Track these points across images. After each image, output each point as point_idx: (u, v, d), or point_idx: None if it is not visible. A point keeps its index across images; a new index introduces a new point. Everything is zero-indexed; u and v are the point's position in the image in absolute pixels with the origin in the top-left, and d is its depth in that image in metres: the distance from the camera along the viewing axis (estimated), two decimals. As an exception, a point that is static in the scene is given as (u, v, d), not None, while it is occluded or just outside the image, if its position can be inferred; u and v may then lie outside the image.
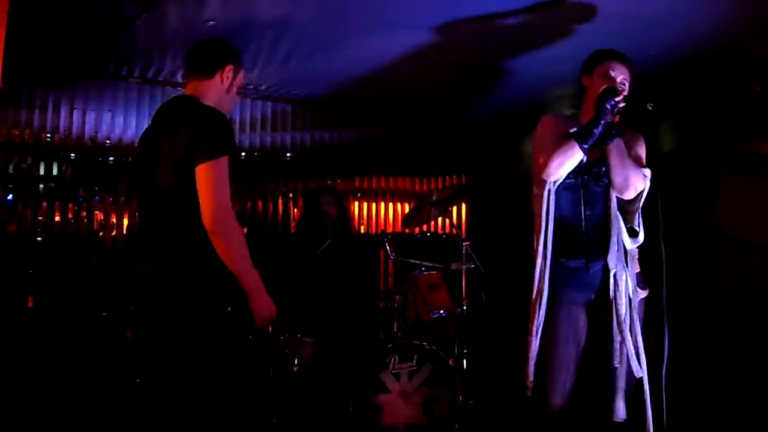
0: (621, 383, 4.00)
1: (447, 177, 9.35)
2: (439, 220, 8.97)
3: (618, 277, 3.97)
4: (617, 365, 3.96)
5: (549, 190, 4.01)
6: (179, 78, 6.35)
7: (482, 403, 6.11)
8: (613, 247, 4.00)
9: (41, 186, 7.23)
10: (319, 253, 6.29)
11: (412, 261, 6.10)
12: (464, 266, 6.03)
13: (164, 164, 3.59)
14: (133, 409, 5.53)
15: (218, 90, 3.85)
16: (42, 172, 7.22)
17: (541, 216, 4.05)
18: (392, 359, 5.35)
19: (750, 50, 5.92)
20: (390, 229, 8.73)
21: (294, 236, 7.00)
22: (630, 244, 4.05)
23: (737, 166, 7.05)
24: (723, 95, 6.80)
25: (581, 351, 4.04)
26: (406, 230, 7.38)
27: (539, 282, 4.07)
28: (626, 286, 3.99)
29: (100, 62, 6.11)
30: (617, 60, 4.14)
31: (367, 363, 5.30)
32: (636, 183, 4.02)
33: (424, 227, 8.84)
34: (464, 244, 6.08)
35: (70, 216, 7.23)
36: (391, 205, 9.02)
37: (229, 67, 3.85)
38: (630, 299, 3.98)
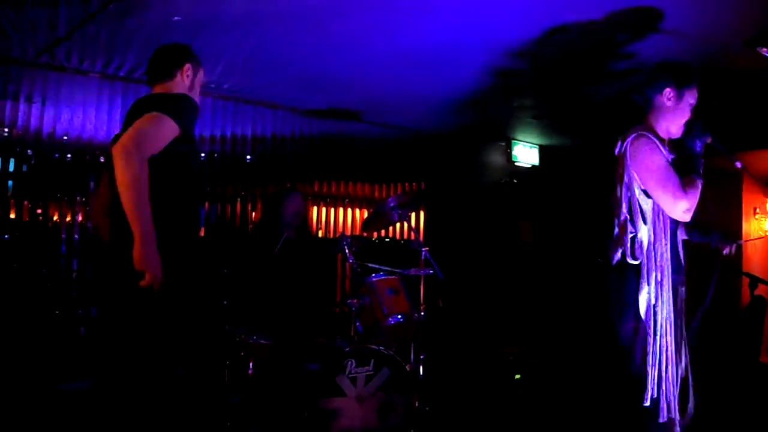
0: None
1: (406, 184, 9.39)
2: (398, 226, 9.00)
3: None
4: None
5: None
6: (140, 74, 6.27)
7: (437, 410, 6.11)
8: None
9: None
10: (277, 253, 6.23)
11: (370, 265, 6.08)
12: (423, 272, 6.03)
13: None
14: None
15: (182, 89, 3.93)
16: (-2, 168, 7.11)
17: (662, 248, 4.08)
18: (349, 363, 5.31)
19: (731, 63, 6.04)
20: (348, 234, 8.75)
21: (251, 237, 6.95)
22: None
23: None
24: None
25: None
26: (365, 234, 7.35)
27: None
28: None
29: (63, 54, 6.01)
30: (698, 85, 4.26)
31: (324, 366, 5.26)
32: None
33: (383, 232, 8.85)
34: (423, 249, 6.08)
35: (25, 213, 7.11)
36: (349, 210, 9.02)
37: (188, 66, 4.03)
38: None
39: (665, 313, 4.01)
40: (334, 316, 6.23)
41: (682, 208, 3.99)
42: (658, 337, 3.98)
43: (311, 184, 8.74)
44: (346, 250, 5.92)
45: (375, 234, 8.15)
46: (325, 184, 8.92)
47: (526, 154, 9.80)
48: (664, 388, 3.97)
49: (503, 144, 9.57)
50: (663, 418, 3.99)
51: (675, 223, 4.15)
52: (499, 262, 9.43)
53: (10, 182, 7.14)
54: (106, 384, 3.88)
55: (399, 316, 5.73)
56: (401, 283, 5.95)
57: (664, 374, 3.98)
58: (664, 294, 4.01)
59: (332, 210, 8.93)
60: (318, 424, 5.14)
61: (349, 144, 8.71)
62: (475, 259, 9.10)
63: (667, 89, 4.20)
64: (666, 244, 4.06)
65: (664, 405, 3.98)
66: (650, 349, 3.98)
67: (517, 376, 7.70)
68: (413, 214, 8.53)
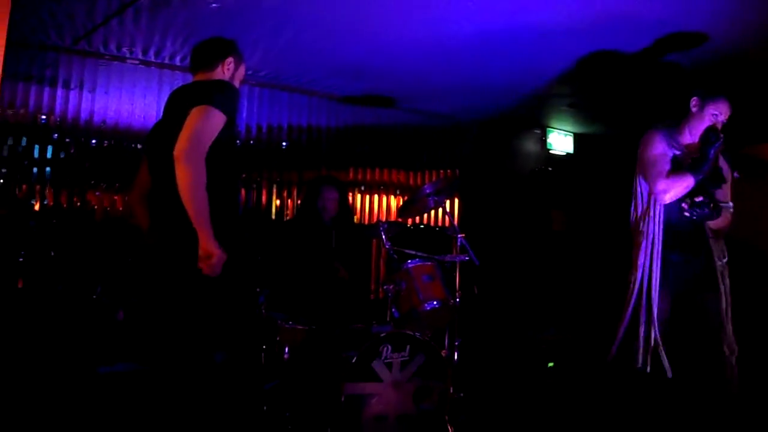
0: None
1: (441, 171, 9.38)
2: (432, 213, 9.00)
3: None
4: None
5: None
6: (178, 61, 6.31)
7: (472, 396, 6.11)
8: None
9: (35, 169, 7.14)
10: (315, 242, 6.26)
11: (407, 251, 6.07)
12: (458, 258, 6.02)
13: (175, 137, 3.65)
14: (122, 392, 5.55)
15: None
16: (36, 154, 7.13)
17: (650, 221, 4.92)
18: (385, 349, 5.31)
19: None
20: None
21: (289, 224, 6.97)
22: None
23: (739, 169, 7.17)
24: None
25: None
26: (399, 220, 7.35)
27: None
28: None
29: (100, 40, 6.04)
30: (728, 103, 4.90)
31: (360, 352, 5.26)
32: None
33: (417, 219, 8.85)
34: (459, 236, 6.07)
35: (63, 200, 7.15)
36: (384, 197, 9.02)
37: (230, 60, 4.07)
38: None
39: (650, 278, 4.83)
40: (370, 301, 6.22)
41: (658, 190, 4.76)
42: (641, 298, 4.87)
43: (346, 171, 8.74)
44: (383, 236, 5.92)
45: (410, 220, 8.16)
46: (360, 171, 8.92)
47: (561, 141, 9.77)
48: (639, 343, 4.86)
49: (538, 132, 9.55)
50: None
51: (675, 205, 4.82)
52: (533, 249, 9.40)
53: (48, 169, 7.18)
54: (151, 367, 3.93)
55: (435, 302, 5.72)
56: (437, 269, 5.93)
57: (641, 332, 4.86)
58: (651, 261, 4.85)
59: (367, 197, 8.93)
60: (353, 408, 5.16)
61: (384, 131, 8.71)
62: (510, 247, 9.08)
63: (694, 98, 4.94)
64: (656, 219, 4.86)
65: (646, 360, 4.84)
66: (629, 308, 4.94)
67: (551, 364, 7.68)
68: (448, 201, 8.54)
